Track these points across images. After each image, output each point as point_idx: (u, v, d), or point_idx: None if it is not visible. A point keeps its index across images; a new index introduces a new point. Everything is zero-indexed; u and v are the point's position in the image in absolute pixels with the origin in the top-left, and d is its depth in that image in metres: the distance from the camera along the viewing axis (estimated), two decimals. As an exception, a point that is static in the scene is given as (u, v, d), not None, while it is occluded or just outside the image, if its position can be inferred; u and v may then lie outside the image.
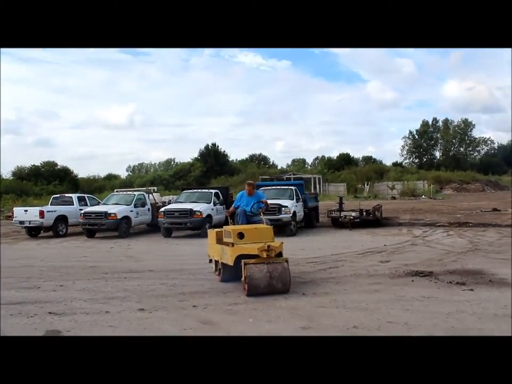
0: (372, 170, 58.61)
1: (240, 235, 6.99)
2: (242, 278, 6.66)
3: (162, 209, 16.50)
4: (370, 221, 16.93)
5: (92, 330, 5.17)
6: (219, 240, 7.65)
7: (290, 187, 17.31)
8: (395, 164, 73.84)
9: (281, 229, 15.07)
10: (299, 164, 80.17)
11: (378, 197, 41.81)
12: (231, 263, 6.92)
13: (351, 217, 16.80)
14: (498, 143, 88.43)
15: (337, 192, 41.90)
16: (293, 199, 16.11)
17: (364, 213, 17.03)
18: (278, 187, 18.11)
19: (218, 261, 7.61)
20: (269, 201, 15.70)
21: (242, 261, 6.63)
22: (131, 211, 16.92)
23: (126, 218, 16.60)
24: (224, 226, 7.78)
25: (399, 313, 5.59)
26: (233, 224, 8.21)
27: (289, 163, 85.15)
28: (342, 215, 17.19)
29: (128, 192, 19.33)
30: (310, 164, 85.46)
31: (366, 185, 48.93)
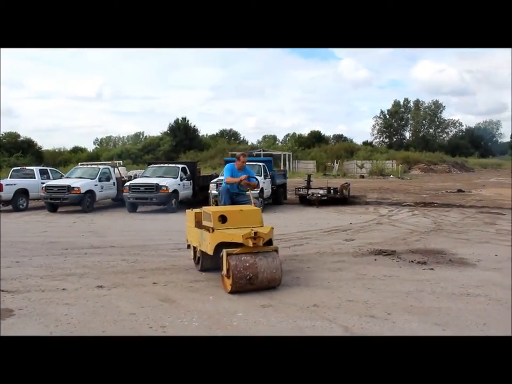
0: (342, 148, 59.06)
1: (222, 218, 5.90)
2: (223, 271, 5.64)
3: (127, 183, 16.20)
4: (338, 199, 17.08)
5: (46, 308, 5.06)
6: (198, 224, 6.58)
7: (258, 163, 17.26)
8: (365, 143, 74.68)
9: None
10: (270, 140, 79.90)
11: (347, 175, 42.26)
12: (210, 251, 5.89)
13: (319, 195, 16.91)
14: (466, 125, 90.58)
15: (307, 169, 42.16)
16: (260, 176, 16.07)
17: (332, 191, 17.16)
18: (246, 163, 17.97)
19: (197, 248, 6.66)
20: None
21: (224, 250, 5.59)
22: (95, 185, 16.54)
23: (90, 193, 16.22)
24: (203, 207, 6.59)
25: (360, 292, 5.64)
26: (216, 205, 7.20)
27: (260, 139, 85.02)
28: (309, 192, 17.28)
29: (93, 166, 18.87)
30: (280, 140, 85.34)
31: (335, 163, 49.30)
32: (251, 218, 6.03)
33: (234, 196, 7.28)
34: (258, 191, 16.70)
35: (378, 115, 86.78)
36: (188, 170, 17.29)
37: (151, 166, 18.57)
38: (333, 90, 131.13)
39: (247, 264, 5.51)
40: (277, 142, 79.19)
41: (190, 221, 6.96)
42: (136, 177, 18.15)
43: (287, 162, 45.95)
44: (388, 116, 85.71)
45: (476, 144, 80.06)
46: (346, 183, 19.57)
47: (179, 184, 16.38)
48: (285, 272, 6.64)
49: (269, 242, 5.87)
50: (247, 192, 7.44)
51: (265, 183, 16.21)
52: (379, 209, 15.93)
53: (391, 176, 41.34)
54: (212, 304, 5.20)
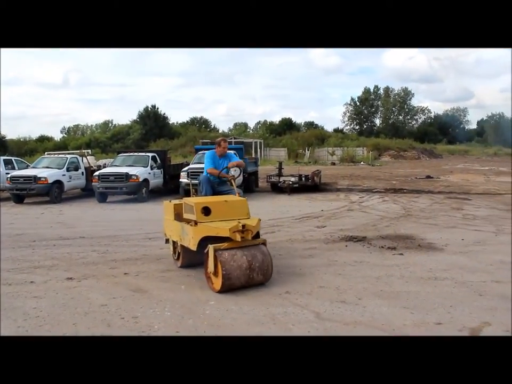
0: (313, 135, 59.40)
1: (206, 210, 5.47)
2: (209, 269, 5.23)
3: (96, 173, 15.96)
4: (309, 186, 17.21)
5: (13, 302, 4.96)
6: (178, 216, 6.18)
7: (229, 151, 17.16)
8: (336, 130, 75.39)
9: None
10: (241, 128, 79.82)
11: (319, 162, 42.57)
12: (193, 247, 5.47)
13: (290, 182, 17.00)
14: (434, 112, 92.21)
15: (278, 157, 42.24)
16: (233, 164, 16.01)
17: (303, 178, 17.27)
18: (217, 151, 17.92)
19: (177, 243, 6.21)
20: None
21: (210, 246, 5.18)
22: (63, 175, 16.23)
23: (58, 183, 15.90)
24: (184, 198, 6.12)
25: (331, 278, 5.73)
26: (196, 195, 6.65)
27: (231, 127, 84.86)
28: (281, 180, 17.35)
29: (60, 155, 18.47)
30: (252, 128, 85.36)
31: (307, 150, 49.56)
32: (237, 209, 5.63)
33: (216, 185, 6.85)
34: (241, 179, 16.73)
35: (349, 102, 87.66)
36: (158, 159, 17.12)
37: (120, 155, 18.31)
38: (304, 77, 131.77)
39: (238, 261, 5.10)
40: (248, 130, 79.19)
41: (168, 213, 6.49)
42: (105, 167, 17.88)
43: (258, 150, 45.94)
44: (358, 103, 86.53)
45: (444, 131, 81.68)
46: (318, 170, 19.72)
47: (149, 173, 16.21)
48: (257, 260, 6.70)
49: (257, 235, 5.54)
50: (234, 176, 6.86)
51: (236, 171, 16.09)
52: (350, 196, 16.13)
53: (362, 163, 41.85)
54: (184, 294, 5.21)
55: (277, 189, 17.50)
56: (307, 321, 4.31)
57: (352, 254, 7.02)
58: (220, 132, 70.33)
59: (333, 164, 41.19)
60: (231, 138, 46.67)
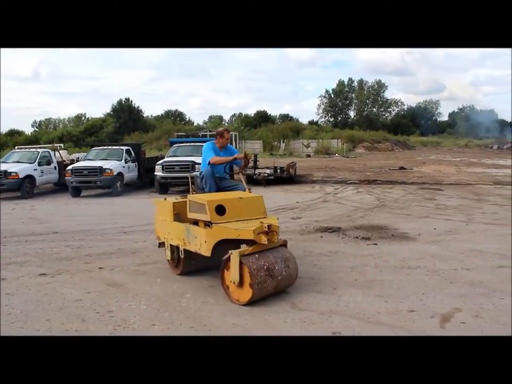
0: (288, 128, 59.50)
1: (220, 209, 4.81)
2: (232, 279, 4.53)
3: (69, 167, 15.70)
4: (285, 178, 17.30)
5: (-16, 298, 4.87)
6: (178, 216, 5.48)
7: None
8: (311, 122, 75.72)
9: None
10: (216, 120, 79.44)
11: (294, 154, 42.72)
12: (206, 252, 4.81)
13: (265, 175, 17.08)
14: (407, 105, 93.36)
15: (254, 149, 42.21)
16: (208, 157, 15.98)
17: (278, 171, 17.36)
18: (192, 143, 17.91)
19: (179, 248, 5.35)
20: (183, 158, 15.98)
21: (234, 252, 4.50)
22: (35, 169, 15.90)
23: (29, 178, 15.57)
24: (189, 196, 5.28)
25: (307, 268, 5.77)
26: (195, 192, 5.62)
27: (206, 120, 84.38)
28: (256, 172, 17.40)
29: (32, 150, 18.09)
30: (227, 121, 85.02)
31: (282, 143, 49.66)
32: (253, 207, 5.01)
33: (218, 180, 6.03)
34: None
35: (324, 95, 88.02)
36: (132, 152, 16.97)
37: (94, 148, 18.05)
38: (278, 70, 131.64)
39: (265, 266, 4.51)
40: (223, 122, 78.89)
41: (164, 213, 5.65)
42: (78, 161, 17.60)
43: (233, 143, 45.80)
44: (332, 96, 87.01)
45: (417, 123, 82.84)
46: (293, 162, 19.81)
47: (124, 167, 16.04)
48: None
49: None
50: (238, 174, 6.35)
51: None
52: (325, 187, 16.26)
53: (336, 154, 42.15)
54: (160, 287, 5.18)
55: (252, 181, 17.49)
56: (283, 311, 4.35)
57: (327, 244, 7.09)
58: (194, 124, 69.97)
59: (308, 156, 41.38)
60: (206, 131, 46.45)
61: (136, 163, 17.02)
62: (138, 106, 65.49)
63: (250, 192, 5.53)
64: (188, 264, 5.45)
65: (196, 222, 5.12)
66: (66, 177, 15.42)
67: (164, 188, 15.69)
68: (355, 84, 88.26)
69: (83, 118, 79.02)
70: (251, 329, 3.97)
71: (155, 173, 15.63)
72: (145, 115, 68.56)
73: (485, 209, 10.50)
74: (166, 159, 16.41)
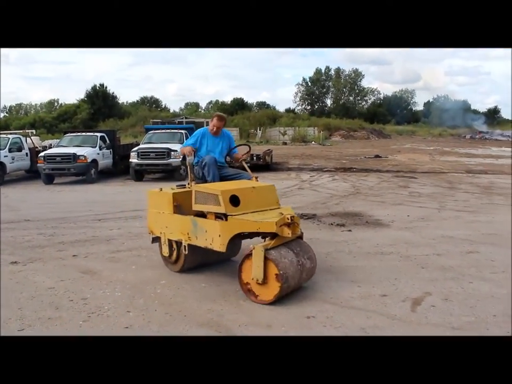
0: (265, 115, 59.43)
1: (234, 200, 4.48)
2: (254, 277, 4.19)
3: (42, 154, 15.41)
4: (261, 165, 17.30)
5: (-46, 286, 4.77)
6: (179, 208, 5.02)
7: (180, 131, 17.10)
8: (288, 110, 75.70)
9: (171, 173, 15.41)
10: (192, 107, 78.90)
11: (270, 142, 42.69)
12: (221, 248, 4.43)
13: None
14: (384, 94, 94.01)
15: (231, 137, 42.00)
16: (182, 143, 15.89)
17: (254, 158, 17.35)
18: (167, 131, 17.79)
19: (182, 243, 4.87)
20: (158, 145, 15.83)
21: (258, 247, 4.15)
22: (5, 156, 15.53)
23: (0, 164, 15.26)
24: (194, 185, 4.88)
25: (282, 255, 5.81)
26: (194, 181, 5.17)
27: (182, 107, 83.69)
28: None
29: (2, 135, 17.66)
30: (203, 108, 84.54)
31: (258, 130, 49.60)
32: (266, 197, 4.71)
33: (219, 169, 5.50)
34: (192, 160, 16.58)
35: (301, 82, 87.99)
36: (107, 139, 16.74)
37: (67, 135, 17.75)
38: (256, 58, 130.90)
39: (289, 261, 4.23)
40: (199, 109, 78.42)
41: (160, 205, 5.14)
42: (51, 147, 17.28)
43: (210, 130, 45.53)
44: (310, 84, 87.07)
45: (393, 112, 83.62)
46: (269, 149, 19.82)
47: (98, 154, 15.83)
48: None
49: None
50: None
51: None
52: (301, 175, 16.35)
53: (313, 142, 42.29)
54: (135, 274, 5.16)
55: (229, 169, 17.48)
56: (258, 297, 4.38)
57: (302, 231, 7.12)
58: (171, 111, 69.29)
59: (285, 143, 41.42)
60: (182, 118, 46.10)
61: (111, 150, 16.81)
62: (113, 92, 64.44)
63: (257, 180, 5.20)
64: (189, 260, 5.03)
65: (201, 214, 4.77)
66: (38, 164, 15.13)
67: (139, 175, 15.57)
68: (332, 72, 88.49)
69: (56, 104, 77.55)
70: (225, 314, 4.00)
71: (130, 160, 15.48)
72: (120, 101, 67.62)
73: (456, 197, 10.73)
74: (141, 146, 16.27)
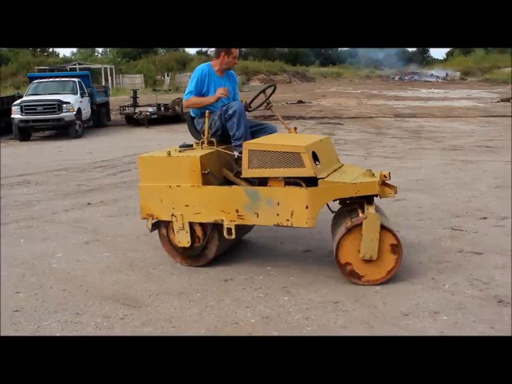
0: (174, 59, 58.16)
1: (314, 157, 3.92)
2: (364, 254, 3.72)
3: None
4: (170, 116, 17.11)
5: None
6: (207, 180, 4.13)
7: (73, 79, 16.40)
8: (199, 53, 74.31)
9: (64, 130, 14.99)
10: (86, 52, 75.14)
11: (181, 90, 41.97)
12: (309, 222, 3.82)
13: (148, 113, 16.81)
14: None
15: (133, 85, 40.85)
16: (76, 94, 15.49)
17: (163, 108, 17.11)
18: (57, 79, 16.96)
19: (223, 225, 4.07)
20: (47, 97, 15.15)
21: (369, 214, 3.69)
22: None
23: None
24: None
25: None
26: (211, 137, 4.46)
27: (75, 51, 79.50)
28: (137, 111, 17.06)
29: None
30: (100, 52, 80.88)
31: (166, 76, 48.58)
32: (332, 153, 4.43)
33: None
34: (89, 112, 16.12)
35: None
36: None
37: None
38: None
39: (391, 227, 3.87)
40: (95, 54, 74.79)
41: (173, 176, 4.19)
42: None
43: (109, 77, 43.93)
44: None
45: (317, 52, 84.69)
46: (179, 98, 19.50)
47: (81, 102, 15.51)
48: (110, 202, 6.64)
49: None
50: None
51: (82, 103, 15.72)
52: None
53: (230, 89, 42.14)
54: (25, 248, 4.98)
55: (132, 121, 17.16)
56: (166, 263, 4.42)
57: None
58: (60, 56, 65.68)
59: (197, 91, 40.95)
60: (74, 64, 43.99)
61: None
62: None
63: (297, 132, 4.80)
64: (221, 248, 4.36)
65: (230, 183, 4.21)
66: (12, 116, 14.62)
67: (25, 133, 14.89)
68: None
69: None
70: (133, 285, 4.00)
71: (12, 116, 14.66)
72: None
73: (384, 143, 11.24)
74: (24, 98, 15.47)
